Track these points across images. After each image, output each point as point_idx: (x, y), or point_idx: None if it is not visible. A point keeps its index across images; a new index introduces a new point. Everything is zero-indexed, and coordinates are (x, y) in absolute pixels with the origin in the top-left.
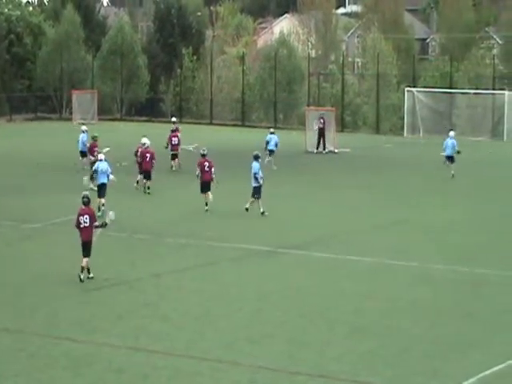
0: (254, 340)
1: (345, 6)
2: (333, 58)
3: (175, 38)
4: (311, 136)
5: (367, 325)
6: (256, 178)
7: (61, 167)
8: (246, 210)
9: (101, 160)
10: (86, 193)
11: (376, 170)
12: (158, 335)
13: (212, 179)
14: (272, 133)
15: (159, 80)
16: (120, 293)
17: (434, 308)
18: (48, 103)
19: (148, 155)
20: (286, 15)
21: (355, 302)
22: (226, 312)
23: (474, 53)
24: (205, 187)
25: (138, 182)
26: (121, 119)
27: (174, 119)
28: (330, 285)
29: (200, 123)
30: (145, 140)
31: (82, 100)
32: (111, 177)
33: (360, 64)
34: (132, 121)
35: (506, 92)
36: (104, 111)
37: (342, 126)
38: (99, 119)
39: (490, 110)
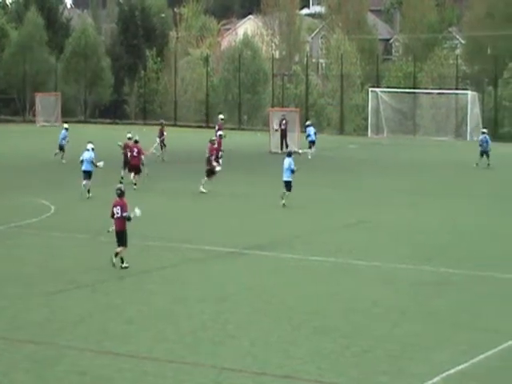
0: (217, 341)
1: (308, 7)
2: (297, 58)
3: (139, 39)
4: (275, 137)
5: (331, 325)
6: (293, 172)
7: (25, 169)
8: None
9: (88, 150)
10: (120, 185)
11: (340, 171)
12: (122, 337)
13: (142, 163)
14: (309, 125)
15: (123, 82)
16: (83, 295)
17: (397, 308)
18: (11, 106)
19: (136, 150)
20: (249, 16)
21: (319, 303)
22: (190, 313)
23: (438, 53)
24: (132, 168)
25: (122, 178)
26: (85, 121)
27: (221, 116)
28: (294, 285)
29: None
30: (130, 135)
31: (46, 102)
32: (99, 164)
33: (324, 65)
34: (96, 123)
35: (469, 92)
36: (68, 113)
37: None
38: (63, 121)
39: (454, 110)
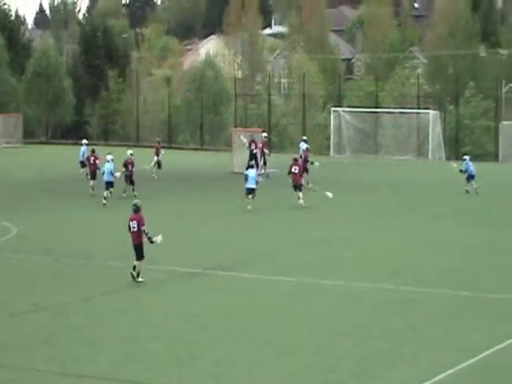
0: (181, 362)
1: (271, 27)
2: (259, 78)
3: (101, 60)
4: (238, 157)
5: (295, 345)
6: (257, 182)
7: None
8: (249, 211)
9: (108, 161)
10: (136, 201)
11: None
12: (85, 359)
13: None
14: (303, 140)
15: (85, 103)
16: (47, 317)
17: (360, 326)
18: None
19: (92, 158)
20: (211, 36)
21: (283, 322)
22: (154, 334)
23: (399, 72)
24: (91, 176)
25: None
26: (46, 142)
27: (265, 134)
28: (258, 305)
29: (126, 145)
30: (131, 151)
31: (7, 123)
32: (116, 174)
33: (286, 84)
34: (58, 144)
35: (431, 111)
36: (29, 134)
37: (269, 146)
38: (25, 142)
39: (415, 129)
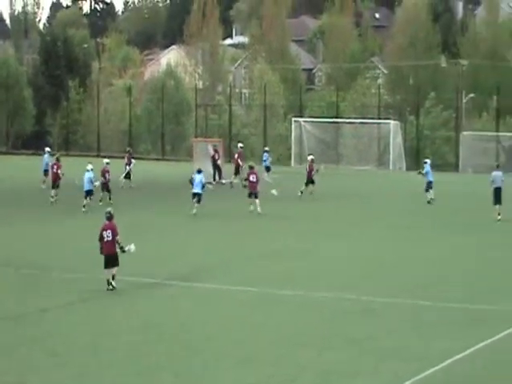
0: (141, 373)
1: (231, 37)
2: (220, 89)
3: (61, 70)
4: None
5: (255, 355)
6: (203, 187)
7: None
8: (195, 214)
9: (88, 170)
10: (109, 209)
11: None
12: (45, 370)
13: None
14: (266, 151)
15: (45, 112)
16: (4, 328)
17: (321, 336)
18: None
19: (55, 167)
20: (172, 46)
21: (243, 333)
22: (113, 345)
23: (360, 82)
24: (52, 184)
25: (101, 200)
26: (7, 153)
27: (240, 144)
28: (217, 316)
29: (87, 155)
30: (107, 160)
31: None
32: (95, 183)
33: (247, 95)
34: (19, 154)
35: (392, 121)
36: None
37: (230, 156)
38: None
39: (376, 139)
